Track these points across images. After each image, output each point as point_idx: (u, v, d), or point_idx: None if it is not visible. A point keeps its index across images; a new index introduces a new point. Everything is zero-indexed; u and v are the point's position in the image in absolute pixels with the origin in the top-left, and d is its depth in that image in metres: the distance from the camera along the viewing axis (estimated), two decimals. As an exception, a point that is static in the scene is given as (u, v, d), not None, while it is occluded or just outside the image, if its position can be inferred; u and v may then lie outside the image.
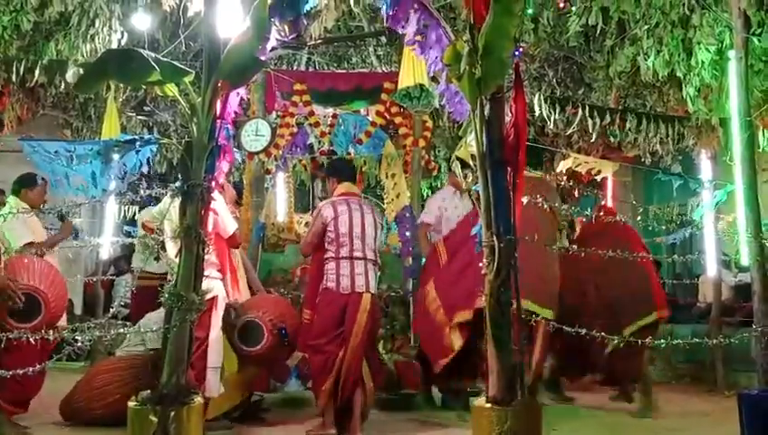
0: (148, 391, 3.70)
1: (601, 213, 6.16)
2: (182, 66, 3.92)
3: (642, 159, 8.51)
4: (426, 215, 6.59)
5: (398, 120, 7.68)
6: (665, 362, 8.07)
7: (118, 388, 5.15)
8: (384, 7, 4.43)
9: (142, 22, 7.63)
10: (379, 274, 5.36)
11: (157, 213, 5.29)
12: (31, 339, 3.99)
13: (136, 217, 7.61)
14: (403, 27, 4.42)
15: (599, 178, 8.10)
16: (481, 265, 3.71)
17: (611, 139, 8.30)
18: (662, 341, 4.56)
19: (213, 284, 4.86)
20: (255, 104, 7.81)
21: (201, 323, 4.48)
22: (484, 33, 3.51)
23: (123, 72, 3.86)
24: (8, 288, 4.53)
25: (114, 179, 4.84)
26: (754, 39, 5.52)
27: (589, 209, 6.01)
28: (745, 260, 5.05)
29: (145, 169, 4.92)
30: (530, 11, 7.36)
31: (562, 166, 8.14)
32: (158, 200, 6.06)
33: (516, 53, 3.85)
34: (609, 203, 8.94)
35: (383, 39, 9.36)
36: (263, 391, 6.05)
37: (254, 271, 6.08)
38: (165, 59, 3.85)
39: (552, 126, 7.49)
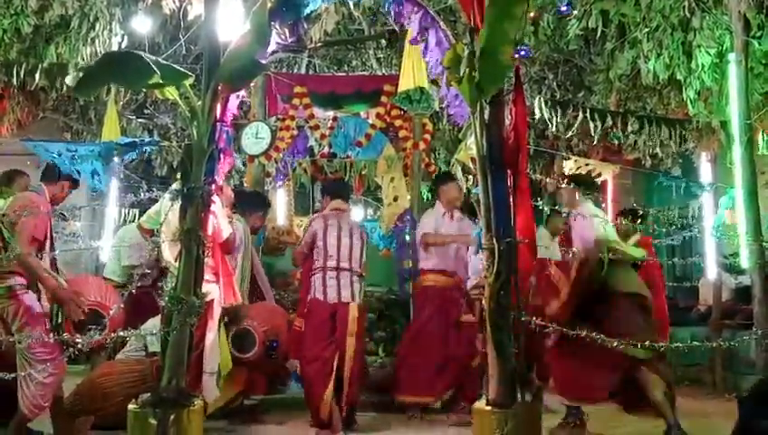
0: (149, 395, 3.71)
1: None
2: (182, 69, 3.92)
3: (642, 162, 8.51)
4: (426, 228, 6.38)
5: (398, 122, 7.67)
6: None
7: (124, 390, 5.12)
8: (387, 5, 4.47)
9: (142, 25, 7.65)
10: (364, 283, 5.61)
11: (154, 213, 5.22)
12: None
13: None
14: (408, 22, 4.46)
15: (599, 180, 8.08)
16: None
17: (612, 141, 8.30)
18: (662, 344, 4.55)
19: (209, 287, 4.82)
20: (256, 107, 7.82)
21: (197, 326, 4.44)
22: (484, 37, 3.52)
23: (124, 74, 3.87)
24: (74, 300, 4.53)
25: (115, 177, 4.83)
26: (754, 42, 5.54)
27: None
28: (745, 263, 5.05)
29: (143, 169, 4.92)
30: (530, 14, 7.36)
31: (565, 164, 8.10)
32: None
33: (522, 53, 3.84)
34: (610, 206, 8.93)
35: (383, 42, 9.37)
36: (262, 394, 6.03)
37: (264, 277, 6.07)
38: (165, 62, 3.85)
39: (552, 129, 7.49)
